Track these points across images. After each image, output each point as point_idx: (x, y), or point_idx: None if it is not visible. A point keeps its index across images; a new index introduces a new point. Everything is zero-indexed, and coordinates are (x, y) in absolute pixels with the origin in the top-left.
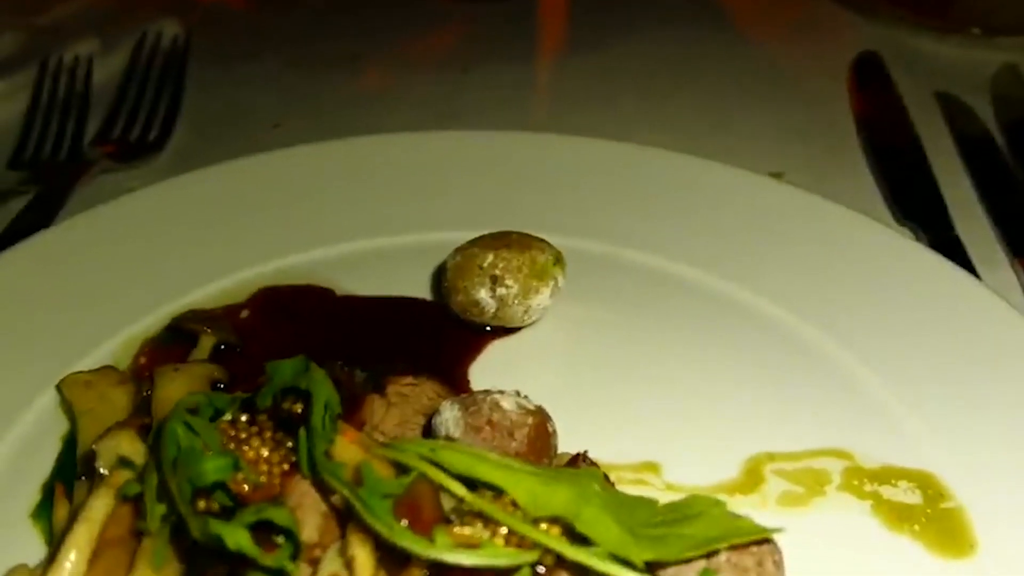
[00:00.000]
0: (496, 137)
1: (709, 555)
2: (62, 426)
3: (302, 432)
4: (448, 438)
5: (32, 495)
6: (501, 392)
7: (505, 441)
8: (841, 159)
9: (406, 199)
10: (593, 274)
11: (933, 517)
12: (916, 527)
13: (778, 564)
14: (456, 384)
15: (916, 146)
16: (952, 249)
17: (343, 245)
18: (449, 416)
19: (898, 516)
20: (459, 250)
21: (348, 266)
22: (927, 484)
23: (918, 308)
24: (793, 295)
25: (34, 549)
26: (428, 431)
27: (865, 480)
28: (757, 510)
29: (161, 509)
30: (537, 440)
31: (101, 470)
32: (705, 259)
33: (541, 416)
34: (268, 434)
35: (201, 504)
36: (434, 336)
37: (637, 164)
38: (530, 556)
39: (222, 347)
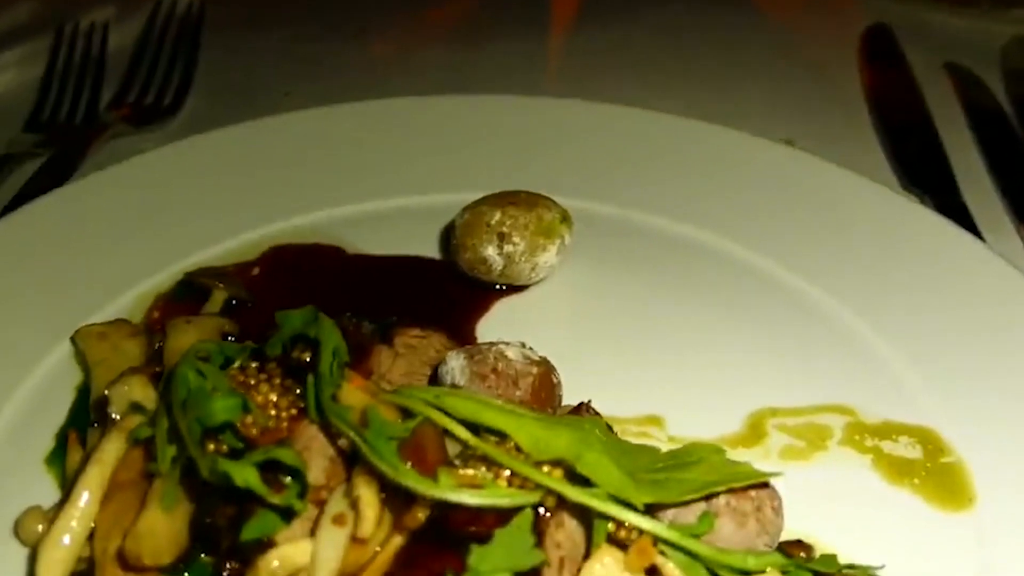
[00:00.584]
0: (505, 101)
1: (708, 499)
2: (76, 377)
3: (310, 378)
4: (454, 386)
5: (46, 442)
6: (507, 343)
7: (510, 390)
8: (850, 129)
9: (415, 161)
10: (600, 235)
11: (933, 471)
12: (916, 481)
13: (777, 510)
14: (463, 339)
15: (925, 117)
16: (959, 216)
17: (353, 206)
18: (455, 365)
19: (898, 470)
20: (467, 208)
21: (357, 226)
22: (927, 440)
23: (921, 268)
24: (798, 256)
25: (48, 493)
26: (434, 382)
27: (866, 435)
28: (759, 462)
29: (171, 451)
30: (541, 390)
31: (113, 415)
32: (711, 221)
33: (546, 367)
34: (277, 381)
35: (211, 446)
36: (442, 293)
37: (645, 128)
38: (532, 497)
39: (233, 302)
